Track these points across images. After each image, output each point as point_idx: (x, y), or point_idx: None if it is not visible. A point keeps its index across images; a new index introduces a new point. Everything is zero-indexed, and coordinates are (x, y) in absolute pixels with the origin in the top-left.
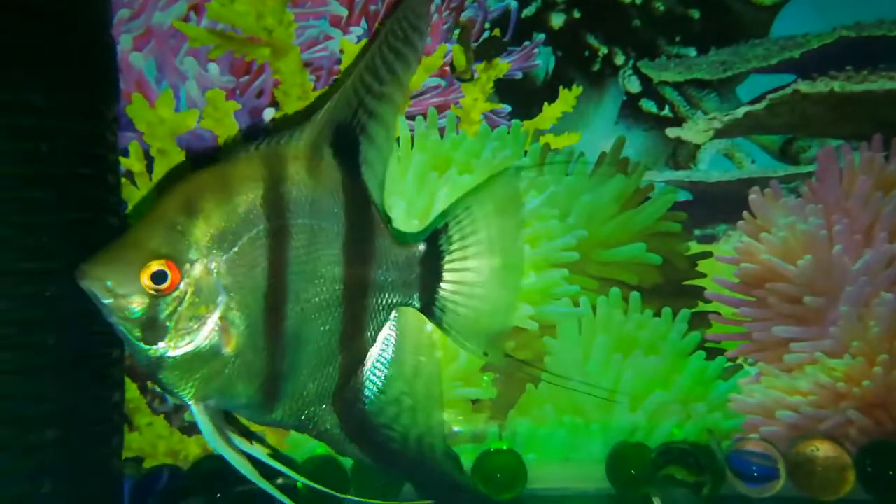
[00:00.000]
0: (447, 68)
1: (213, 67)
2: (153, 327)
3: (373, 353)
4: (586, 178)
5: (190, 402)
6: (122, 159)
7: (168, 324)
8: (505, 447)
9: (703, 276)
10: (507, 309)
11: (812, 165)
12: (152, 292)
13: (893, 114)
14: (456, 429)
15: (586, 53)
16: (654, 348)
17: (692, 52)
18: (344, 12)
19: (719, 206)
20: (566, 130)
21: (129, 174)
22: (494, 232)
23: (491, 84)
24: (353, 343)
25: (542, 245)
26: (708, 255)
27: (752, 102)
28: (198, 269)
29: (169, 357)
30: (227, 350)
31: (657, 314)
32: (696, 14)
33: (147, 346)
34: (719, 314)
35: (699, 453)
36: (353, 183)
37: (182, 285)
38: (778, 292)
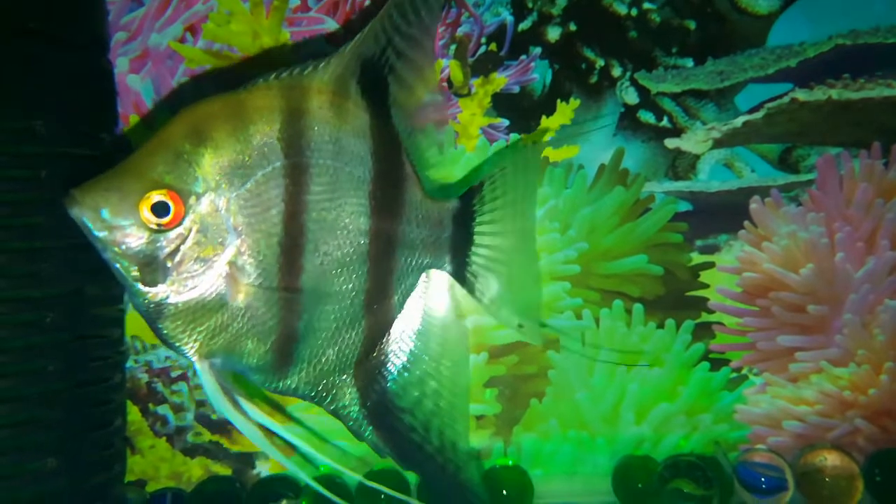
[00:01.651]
0: (444, 84)
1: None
2: (152, 267)
3: (399, 322)
4: (586, 190)
5: (193, 359)
6: None
7: (169, 264)
8: (510, 463)
9: (706, 286)
10: (539, 278)
11: (812, 174)
12: (153, 226)
13: (892, 121)
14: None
15: (583, 66)
16: (658, 360)
17: (689, 62)
18: (340, 30)
19: (720, 215)
20: (565, 143)
21: None
22: (526, 197)
23: (488, 99)
24: (378, 307)
25: (544, 258)
26: (710, 265)
27: (750, 112)
28: (204, 205)
29: (170, 303)
30: (236, 301)
31: (660, 326)
32: (692, 25)
33: (145, 289)
34: (723, 324)
35: (707, 466)
36: (382, 126)
37: (186, 221)
38: (781, 301)
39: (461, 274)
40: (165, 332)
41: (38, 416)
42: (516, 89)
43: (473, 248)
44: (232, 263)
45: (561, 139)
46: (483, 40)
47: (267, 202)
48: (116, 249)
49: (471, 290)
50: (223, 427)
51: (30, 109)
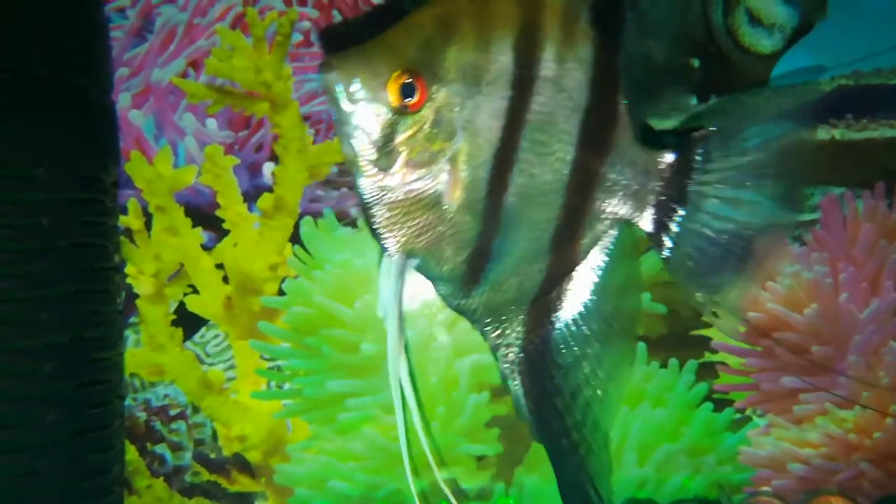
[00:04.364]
0: None
1: (212, 123)
2: (386, 149)
3: (581, 269)
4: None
5: (393, 253)
6: (120, 217)
7: (401, 150)
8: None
9: (710, 325)
10: (755, 267)
11: (815, 213)
12: (397, 107)
13: (894, 161)
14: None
15: None
16: (661, 400)
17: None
18: None
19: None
20: None
21: (128, 231)
22: (758, 165)
23: None
24: (564, 247)
25: None
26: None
27: None
28: (443, 96)
29: (392, 190)
30: (449, 203)
31: (663, 365)
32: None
33: (373, 171)
34: (726, 364)
35: None
36: (604, 59)
37: (425, 109)
38: (785, 342)
39: (659, 236)
40: (378, 219)
41: (38, 467)
42: None
43: (681, 211)
44: (454, 163)
45: None
46: None
47: (492, 109)
48: (358, 124)
49: (666, 257)
50: (222, 467)
51: (33, 155)
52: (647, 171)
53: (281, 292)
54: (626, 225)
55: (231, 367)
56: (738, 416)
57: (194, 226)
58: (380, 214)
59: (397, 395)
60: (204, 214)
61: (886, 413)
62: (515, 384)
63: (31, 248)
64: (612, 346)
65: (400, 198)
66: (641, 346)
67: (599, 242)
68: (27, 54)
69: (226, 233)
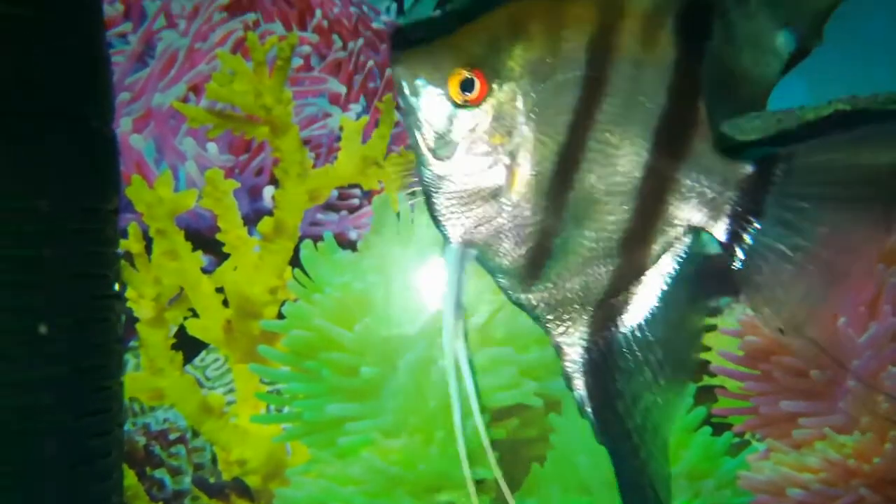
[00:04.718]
0: None
1: (212, 147)
2: (445, 140)
3: (650, 275)
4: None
5: (453, 242)
6: (121, 241)
7: (460, 141)
8: None
9: (708, 349)
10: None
11: None
12: (457, 101)
13: (892, 185)
14: None
15: None
16: None
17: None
18: (343, 90)
19: (722, 278)
20: None
21: (128, 255)
22: (844, 185)
23: None
24: (634, 251)
25: None
26: (712, 327)
27: None
28: (504, 92)
29: (450, 180)
30: (507, 196)
31: None
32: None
33: (433, 160)
34: (725, 388)
35: None
36: (688, 66)
37: (485, 104)
38: (784, 366)
39: (731, 246)
40: (438, 207)
41: (36, 500)
42: None
43: (757, 223)
44: (513, 157)
45: None
46: None
47: (558, 107)
48: (419, 115)
49: (736, 270)
50: (221, 491)
51: (35, 187)
52: (725, 180)
53: (281, 316)
54: (699, 233)
55: (231, 391)
56: (736, 440)
57: (194, 249)
58: (439, 203)
59: (455, 388)
60: (204, 238)
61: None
62: (578, 384)
63: (31, 280)
64: (675, 353)
65: (458, 188)
66: None
67: (671, 249)
68: (29, 85)
69: (226, 256)
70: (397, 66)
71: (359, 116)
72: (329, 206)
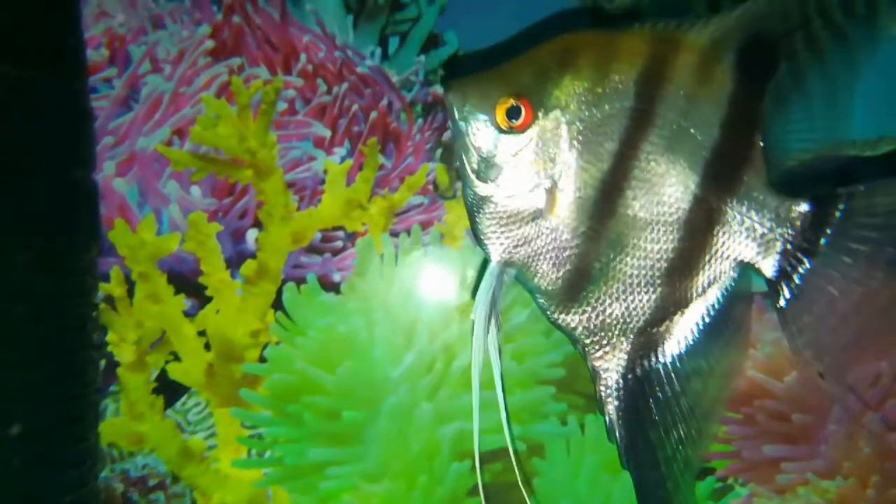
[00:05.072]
0: (430, 186)
1: (196, 190)
2: (489, 163)
3: (695, 307)
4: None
5: (492, 261)
6: (102, 285)
7: (503, 165)
8: None
9: None
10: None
11: None
12: (502, 127)
13: None
14: None
15: None
16: None
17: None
18: (327, 133)
19: None
20: None
21: (110, 299)
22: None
23: None
24: (678, 281)
25: (529, 362)
26: None
27: None
28: (549, 120)
29: (492, 201)
30: (547, 220)
31: None
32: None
33: (477, 182)
34: None
35: None
36: (747, 101)
37: (530, 130)
38: (766, 409)
39: (778, 284)
40: (480, 226)
41: None
42: None
43: (808, 264)
44: (555, 182)
45: None
46: None
47: (604, 136)
48: (466, 139)
49: (781, 311)
50: None
51: (17, 242)
52: (779, 216)
53: (263, 359)
54: (746, 268)
55: (212, 435)
56: (720, 484)
57: (177, 293)
58: (481, 222)
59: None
60: (187, 281)
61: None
62: (610, 409)
63: (7, 335)
64: (713, 387)
65: (499, 209)
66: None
67: (717, 282)
68: (9, 139)
69: (209, 300)
70: (449, 92)
71: (343, 160)
72: (312, 249)
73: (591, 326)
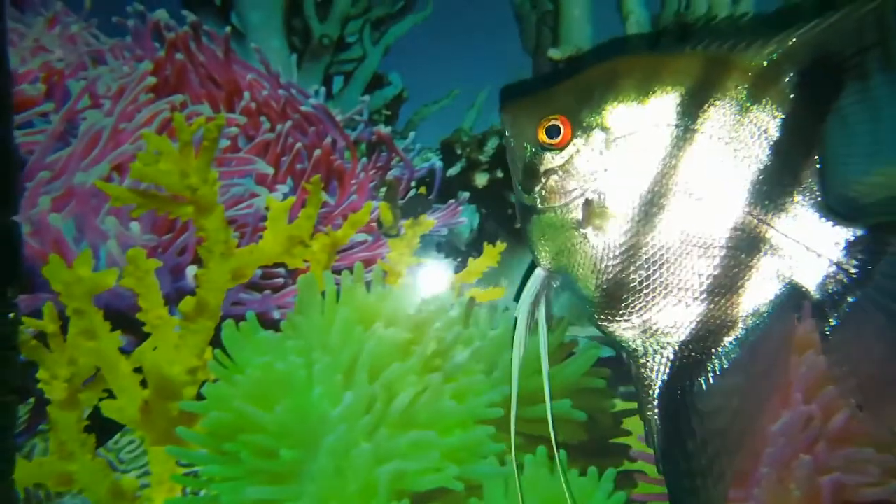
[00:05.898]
0: (374, 224)
1: (135, 226)
2: (531, 175)
3: (739, 324)
4: (511, 332)
5: (541, 268)
6: (34, 322)
7: (543, 177)
8: None
9: (629, 433)
10: None
11: None
12: (543, 143)
13: None
14: None
15: (509, 211)
16: None
17: None
18: (270, 170)
19: None
20: (491, 285)
21: (42, 336)
22: None
23: (417, 239)
24: (724, 299)
25: (469, 401)
26: (633, 412)
27: None
28: (587, 138)
29: (537, 210)
30: (585, 231)
31: (582, 473)
32: None
33: (523, 192)
34: (645, 473)
35: None
36: (804, 124)
37: (570, 146)
38: None
39: (824, 308)
40: (528, 233)
41: None
42: (444, 231)
43: (858, 290)
44: (593, 197)
45: (487, 281)
46: (413, 184)
47: (643, 155)
48: (514, 153)
49: (824, 332)
50: None
51: None
52: (832, 241)
53: (200, 397)
54: (793, 289)
55: (146, 474)
56: None
57: (113, 329)
58: (529, 229)
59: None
60: (124, 317)
61: None
62: (649, 416)
63: None
64: (752, 404)
65: (542, 218)
66: (562, 453)
67: (763, 301)
68: None
69: (146, 336)
70: (502, 112)
71: (286, 197)
72: (252, 286)
73: (636, 335)
